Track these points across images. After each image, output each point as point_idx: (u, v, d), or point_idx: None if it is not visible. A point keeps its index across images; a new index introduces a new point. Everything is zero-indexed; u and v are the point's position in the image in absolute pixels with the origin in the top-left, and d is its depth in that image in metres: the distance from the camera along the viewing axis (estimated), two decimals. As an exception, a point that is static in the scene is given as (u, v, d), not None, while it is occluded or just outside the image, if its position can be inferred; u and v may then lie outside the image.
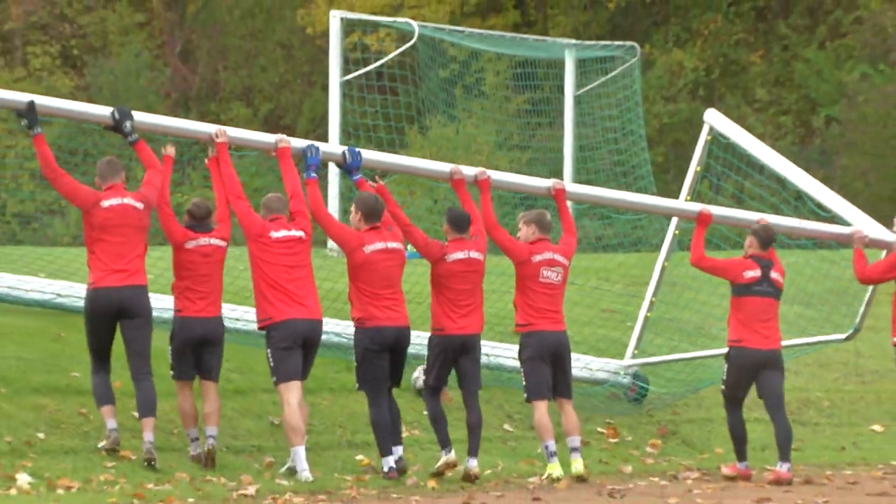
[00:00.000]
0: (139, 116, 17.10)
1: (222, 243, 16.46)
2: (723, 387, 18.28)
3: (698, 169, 20.86)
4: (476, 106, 37.78)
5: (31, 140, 19.50)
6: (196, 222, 16.22)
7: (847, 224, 19.87)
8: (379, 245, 16.40)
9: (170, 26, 52.49)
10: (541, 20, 49.18)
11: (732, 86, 48.28)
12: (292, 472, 16.13)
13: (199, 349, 16.21)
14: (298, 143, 17.32)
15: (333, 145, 21.24)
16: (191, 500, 14.84)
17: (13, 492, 14.65)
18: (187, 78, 51.19)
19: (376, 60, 30.32)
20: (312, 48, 48.33)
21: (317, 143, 17.29)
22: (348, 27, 31.30)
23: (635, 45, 33.23)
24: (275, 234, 16.17)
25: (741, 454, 18.06)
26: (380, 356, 16.25)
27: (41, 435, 16.31)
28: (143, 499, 14.58)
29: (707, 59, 48.54)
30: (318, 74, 43.11)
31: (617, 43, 34.03)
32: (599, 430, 20.32)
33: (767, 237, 18.29)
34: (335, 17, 28.99)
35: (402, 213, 16.91)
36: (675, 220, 20.69)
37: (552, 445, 16.64)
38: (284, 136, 17.00)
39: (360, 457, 17.16)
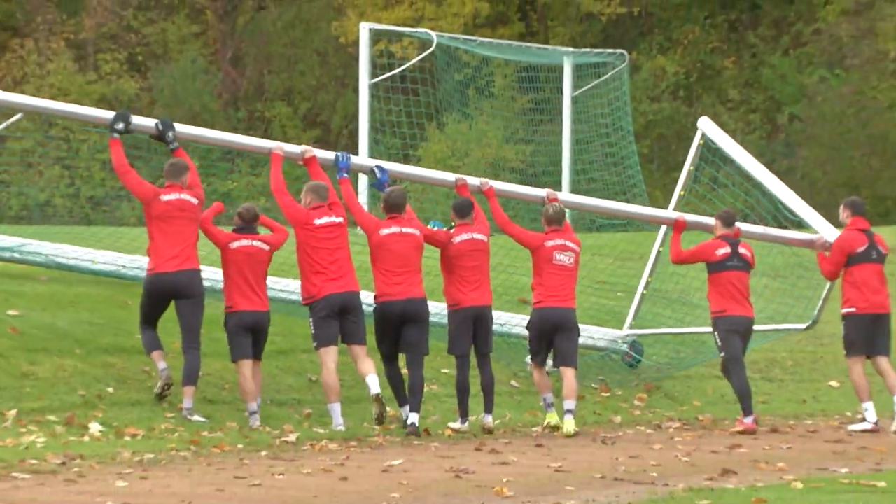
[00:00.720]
0: (196, 130, 18.44)
1: (265, 246, 17.01)
2: (722, 354, 18.90)
3: (692, 168, 21.47)
4: (486, 105, 38.15)
5: (101, 134, 22.54)
6: (244, 224, 16.77)
7: (811, 229, 20.68)
8: (390, 230, 17.05)
9: (222, 36, 53.10)
10: (542, 31, 49.56)
11: (708, 87, 48.97)
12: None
13: (251, 335, 16.79)
14: (324, 154, 18.13)
15: (364, 159, 22.16)
16: (239, 445, 15.48)
17: (86, 438, 15.21)
18: (236, 81, 51.73)
19: (400, 66, 30.41)
20: (345, 55, 48.72)
21: (348, 154, 18.20)
22: (376, 37, 31.53)
23: (624, 52, 33.58)
24: (318, 221, 16.67)
25: (746, 405, 18.61)
26: (389, 326, 16.87)
27: (110, 389, 16.98)
28: (198, 444, 15.09)
29: (686, 64, 49.20)
30: (350, 78, 43.68)
31: (608, 51, 34.20)
32: (594, 385, 20.95)
33: (729, 217, 18.95)
34: (364, 29, 29.41)
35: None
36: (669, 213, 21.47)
37: (549, 398, 17.37)
38: (309, 147, 17.85)
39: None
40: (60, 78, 47.60)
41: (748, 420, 18.32)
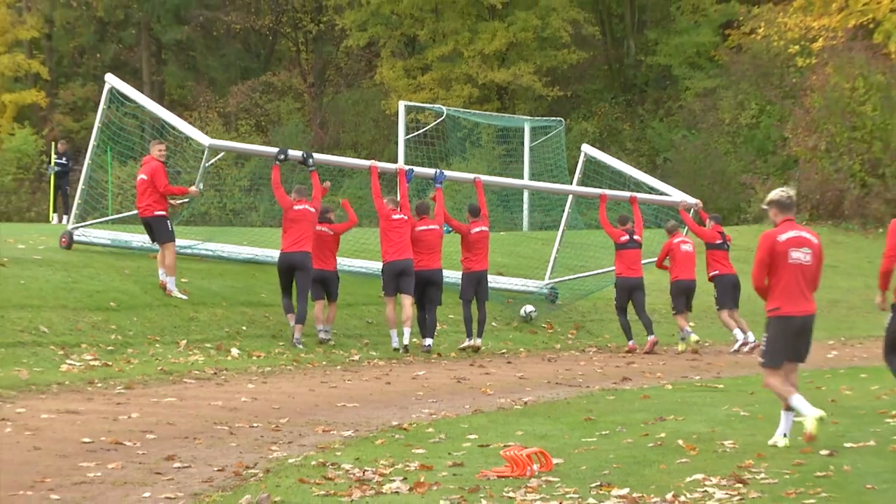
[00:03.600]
0: (324, 156, 21.02)
1: (330, 231, 19.15)
2: (616, 302, 21.31)
3: (580, 176, 24.75)
4: (476, 152, 40.72)
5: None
6: (321, 217, 19.00)
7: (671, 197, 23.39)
8: (423, 227, 19.47)
9: (313, 110, 56.25)
10: (511, 106, 50.88)
11: (614, 141, 50.40)
12: (396, 349, 19.08)
13: (320, 284, 18.86)
14: (388, 165, 20.95)
15: (428, 169, 22.18)
16: (324, 362, 17.71)
17: (229, 358, 17.28)
18: (322, 137, 53.46)
19: (423, 128, 32.71)
20: (389, 121, 49.35)
21: (443, 172, 20.66)
22: (408, 110, 33.12)
23: (561, 119, 35.54)
24: (395, 217, 19.09)
25: (629, 336, 20.88)
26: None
27: (244, 328, 18.94)
28: (297, 362, 17.37)
29: (600, 126, 52.00)
30: (392, 135, 43.77)
31: (552, 118, 36.33)
32: (543, 324, 22.72)
33: (623, 219, 21.31)
34: (401, 105, 32.03)
35: (445, 209, 20.22)
36: (570, 197, 24.13)
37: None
38: (376, 161, 20.49)
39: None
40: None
41: (631, 342, 21.01)
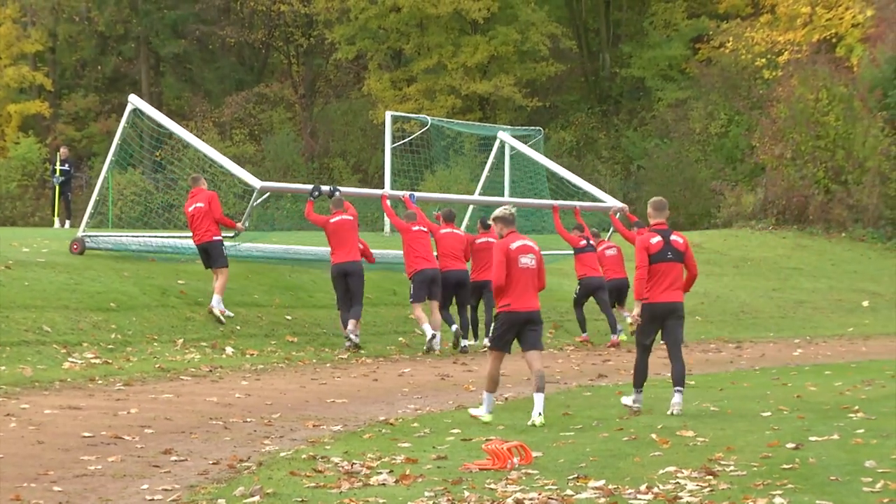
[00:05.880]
0: (347, 189, 21.43)
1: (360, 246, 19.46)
2: (576, 298, 21.80)
3: (493, 161, 25.56)
4: (460, 160, 41.33)
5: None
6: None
7: (601, 201, 23.96)
8: (447, 230, 20.13)
9: (304, 119, 56.73)
10: (493, 116, 50.58)
11: (590, 150, 51.62)
12: (429, 348, 19.41)
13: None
14: (396, 193, 21.24)
15: (398, 192, 22.40)
16: (314, 360, 18.05)
17: (223, 356, 17.49)
18: (312, 146, 54.58)
19: (408, 136, 32.26)
20: (376, 130, 48.94)
21: (414, 193, 21.06)
22: (394, 119, 32.40)
23: (540, 128, 34.18)
24: (415, 228, 19.67)
25: (584, 328, 21.54)
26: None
27: (238, 327, 19.26)
28: (289, 360, 17.66)
29: (577, 136, 52.66)
30: (379, 143, 42.56)
31: (531, 128, 34.87)
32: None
33: (580, 226, 21.97)
34: (388, 115, 31.26)
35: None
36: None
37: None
38: (385, 191, 21.18)
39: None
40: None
41: (585, 334, 21.73)
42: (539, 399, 12.24)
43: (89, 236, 21.47)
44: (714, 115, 48.44)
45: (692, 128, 48.52)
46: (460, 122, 39.47)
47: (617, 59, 54.95)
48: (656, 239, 12.98)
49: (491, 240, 19.40)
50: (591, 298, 21.89)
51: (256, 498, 8.68)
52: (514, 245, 12.38)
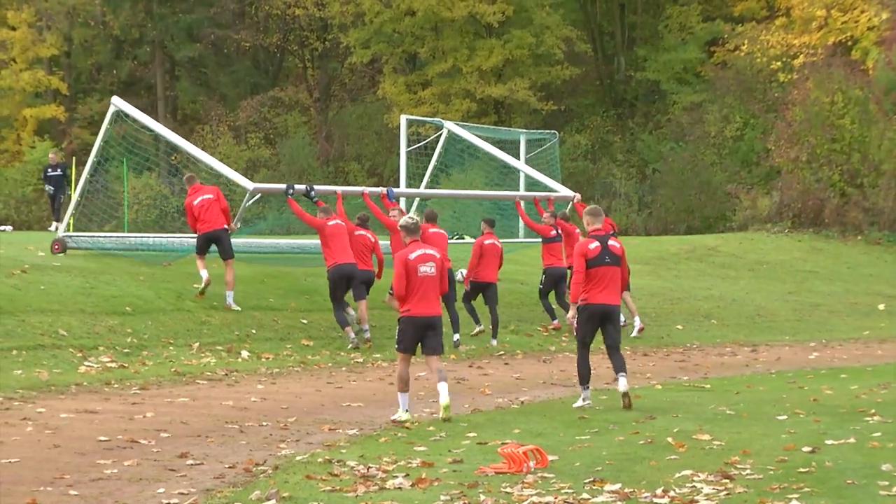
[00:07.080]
0: (322, 187, 21.38)
1: (370, 238, 19.88)
2: (541, 288, 22.03)
3: (436, 164, 25.97)
4: (475, 164, 38.56)
5: (277, 198, 26.77)
6: (360, 222, 19.97)
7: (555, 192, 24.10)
8: (332, 223, 19.36)
9: (319, 123, 56.76)
10: (508, 120, 51.11)
11: (605, 153, 51.87)
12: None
13: (349, 284, 19.00)
14: (374, 189, 21.64)
15: (377, 189, 23.09)
16: (329, 364, 18.02)
17: (239, 360, 17.45)
18: (328, 149, 54.55)
19: (423, 140, 32.70)
20: (391, 134, 49.00)
21: (391, 188, 21.31)
22: (409, 123, 32.65)
23: (555, 132, 36.42)
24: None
25: (553, 317, 21.94)
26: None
27: (253, 331, 19.17)
28: (305, 363, 17.60)
29: (592, 139, 52.64)
30: (394, 147, 42.22)
31: (546, 131, 36.68)
32: (538, 327, 22.82)
33: (555, 215, 21.92)
34: (403, 118, 31.40)
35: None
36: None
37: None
38: (365, 188, 21.52)
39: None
40: (225, 148, 51.09)
41: (555, 322, 22.09)
42: (443, 387, 12.82)
43: (70, 236, 21.81)
44: (729, 118, 48.40)
45: (707, 131, 48.56)
46: (475, 125, 38.89)
47: (632, 63, 55.03)
48: (594, 244, 13.62)
49: (497, 243, 20.54)
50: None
51: (272, 502, 8.70)
52: (413, 255, 12.82)
